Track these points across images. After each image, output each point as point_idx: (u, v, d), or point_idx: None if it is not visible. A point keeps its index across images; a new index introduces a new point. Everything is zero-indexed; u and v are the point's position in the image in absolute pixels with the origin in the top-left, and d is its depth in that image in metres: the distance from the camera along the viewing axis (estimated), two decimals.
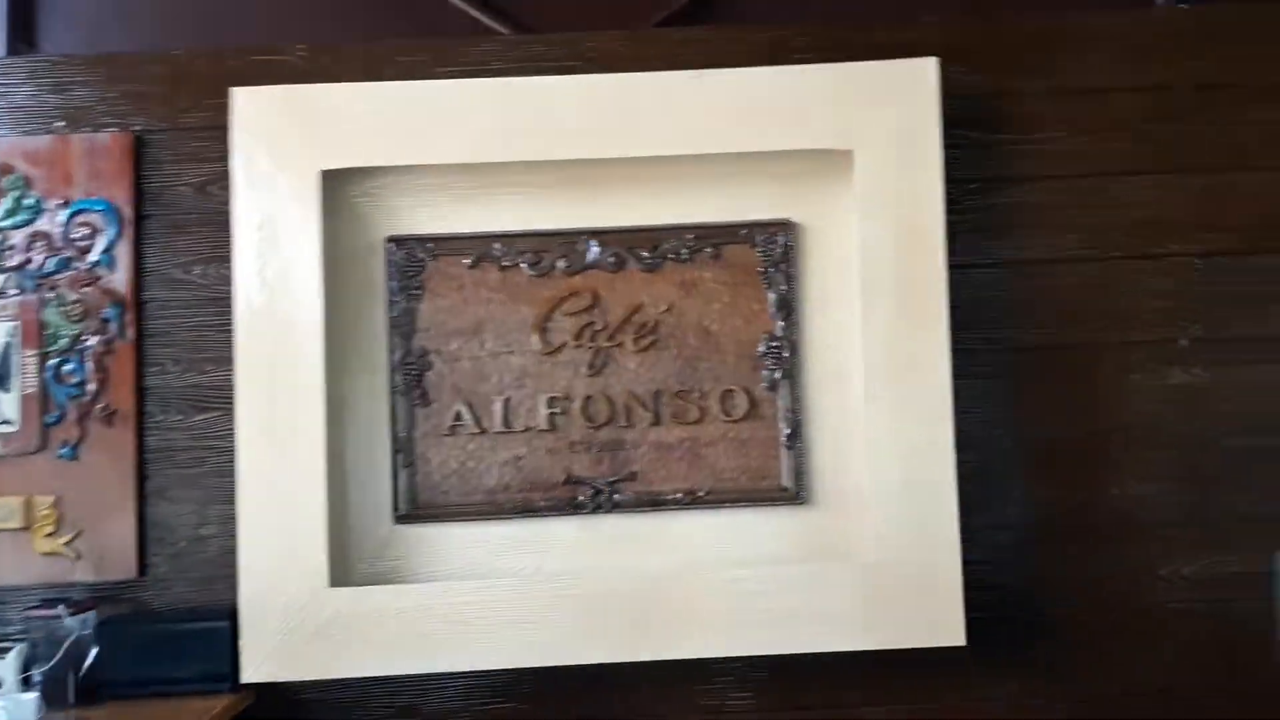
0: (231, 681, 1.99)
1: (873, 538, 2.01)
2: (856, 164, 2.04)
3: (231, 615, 2.00)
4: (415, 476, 2.09)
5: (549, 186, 2.09)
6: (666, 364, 2.11)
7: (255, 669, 1.99)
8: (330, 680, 2.05)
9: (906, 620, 1.99)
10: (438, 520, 2.09)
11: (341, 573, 2.03)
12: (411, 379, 2.10)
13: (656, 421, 2.10)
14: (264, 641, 1.98)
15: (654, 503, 2.09)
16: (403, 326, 2.10)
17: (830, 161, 2.06)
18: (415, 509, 2.09)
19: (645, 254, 2.11)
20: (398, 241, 2.10)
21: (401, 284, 2.10)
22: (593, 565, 2.06)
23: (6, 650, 1.98)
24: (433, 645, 1.99)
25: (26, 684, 1.95)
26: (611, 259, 2.11)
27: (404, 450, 2.09)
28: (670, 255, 2.12)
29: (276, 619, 1.98)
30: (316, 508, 1.98)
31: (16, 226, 2.15)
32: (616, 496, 2.10)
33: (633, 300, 2.10)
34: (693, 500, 2.09)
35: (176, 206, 2.15)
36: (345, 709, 2.11)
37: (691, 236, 2.11)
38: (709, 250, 2.12)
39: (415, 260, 2.11)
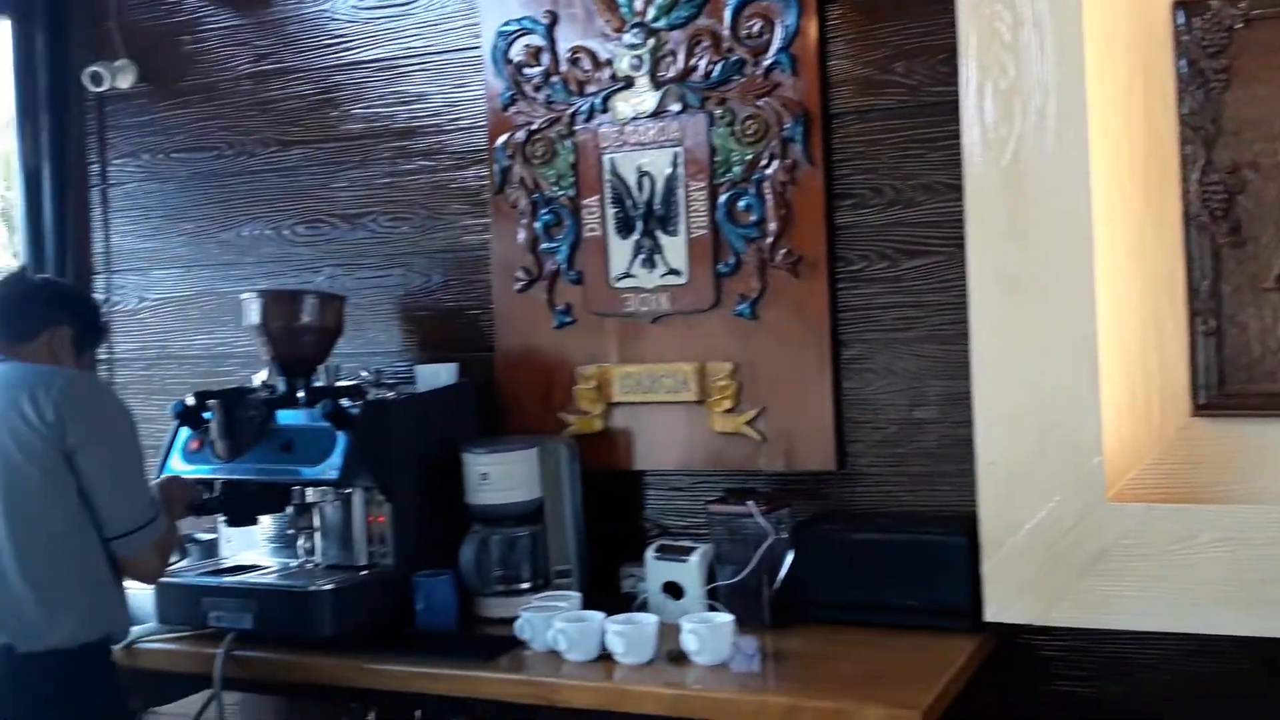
0: (970, 618, 1.49)
1: None
2: None
3: (968, 529, 1.50)
4: (1223, 350, 1.52)
5: None
6: None
7: (1004, 606, 1.48)
8: (1085, 629, 1.49)
9: None
10: (1256, 414, 1.48)
11: (1121, 481, 1.47)
12: (1216, 207, 1.49)
13: None
14: (1017, 570, 1.48)
15: None
16: (1201, 129, 1.51)
17: None
18: (1222, 396, 1.52)
19: None
20: (1190, 6, 1.48)
21: (1199, 66, 1.49)
22: None
23: (687, 551, 1.62)
24: (1250, 594, 1.39)
25: (713, 595, 1.58)
26: None
27: (1206, 311, 1.52)
28: None
29: (1032, 540, 1.47)
30: (1084, 389, 1.45)
31: (674, 25, 1.73)
32: None
33: None
34: None
35: None
36: (1103, 669, 1.54)
37: None
38: None
39: (1220, 30, 1.48)
